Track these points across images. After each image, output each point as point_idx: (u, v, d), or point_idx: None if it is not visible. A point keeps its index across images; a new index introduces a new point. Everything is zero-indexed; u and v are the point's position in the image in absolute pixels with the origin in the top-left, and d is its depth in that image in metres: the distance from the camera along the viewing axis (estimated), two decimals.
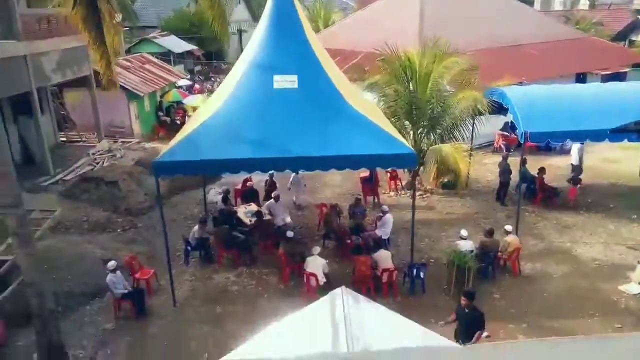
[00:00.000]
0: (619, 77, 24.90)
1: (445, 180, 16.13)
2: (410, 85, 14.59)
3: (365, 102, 11.69)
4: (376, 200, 15.01)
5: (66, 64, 18.16)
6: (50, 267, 10.35)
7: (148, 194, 15.24)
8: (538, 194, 14.61)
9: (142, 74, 24.42)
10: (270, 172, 13.58)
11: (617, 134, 10.95)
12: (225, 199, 13.17)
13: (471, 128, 15.86)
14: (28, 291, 7.65)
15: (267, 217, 12.70)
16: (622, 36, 30.14)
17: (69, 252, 11.19)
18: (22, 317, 9.22)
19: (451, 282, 10.43)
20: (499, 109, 14.57)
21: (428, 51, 14.58)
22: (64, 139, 21.42)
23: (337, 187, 16.81)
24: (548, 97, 12.65)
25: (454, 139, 14.83)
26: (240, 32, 54.28)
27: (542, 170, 14.71)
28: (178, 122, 24.42)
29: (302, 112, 9.76)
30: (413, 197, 10.39)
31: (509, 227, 11.40)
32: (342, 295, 4.79)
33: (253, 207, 13.38)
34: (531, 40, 23.68)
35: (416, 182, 16.14)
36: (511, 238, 11.09)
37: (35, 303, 7.63)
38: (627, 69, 25.49)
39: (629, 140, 11.65)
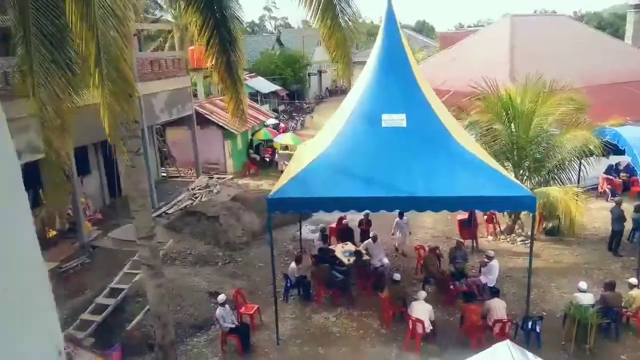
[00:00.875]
0: None
1: (549, 225, 15.27)
2: (512, 124, 14.13)
3: (472, 141, 11.43)
4: (475, 244, 14.44)
5: (172, 103, 19.45)
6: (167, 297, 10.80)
7: (245, 229, 15.67)
8: None
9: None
10: (366, 211, 13.52)
11: None
12: (324, 238, 13.22)
13: (578, 170, 15.03)
14: (154, 322, 7.96)
15: (365, 257, 12.57)
16: None
17: (178, 284, 11.63)
18: (137, 346, 9.61)
19: (570, 338, 9.66)
20: (607, 150, 13.71)
21: (530, 88, 14.13)
22: (165, 174, 22.73)
23: (429, 229, 16.41)
24: None
25: (559, 182, 14.09)
26: (320, 72, 56.05)
27: None
28: (267, 159, 25.30)
29: (411, 151, 9.69)
30: (531, 244, 9.83)
31: (634, 280, 10.46)
32: (509, 349, 4.51)
33: (350, 246, 13.32)
34: (630, 78, 22.33)
35: (517, 228, 15.48)
36: (637, 292, 10.15)
37: (160, 334, 7.92)
38: None
39: None
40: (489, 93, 14.26)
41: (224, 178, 22.43)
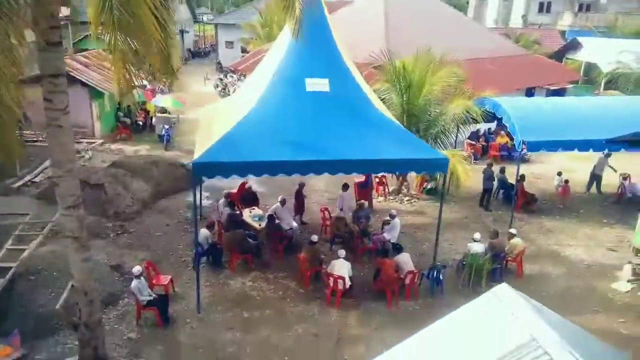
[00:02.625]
0: (559, 92, 27.21)
1: (429, 186, 16.80)
2: (404, 94, 15.06)
3: (385, 107, 11.95)
4: (369, 205, 15.27)
5: (33, 57, 16.87)
6: (61, 274, 9.66)
7: (135, 198, 14.54)
8: (519, 199, 15.58)
9: (102, 71, 23.14)
10: (301, 182, 13.76)
11: (613, 144, 12.03)
12: (232, 204, 12.85)
13: (455, 137, 16.69)
14: (79, 298, 7.11)
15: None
16: (560, 54, 32.80)
17: None
18: (48, 329, 8.55)
19: (467, 283, 10.91)
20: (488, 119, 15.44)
21: (421, 60, 15.16)
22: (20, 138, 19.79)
23: (324, 192, 16.91)
24: (540, 108, 13.65)
25: (442, 146, 15.49)
26: (182, 32, 52.97)
27: (522, 177, 15.71)
28: (140, 123, 23.47)
29: (335, 115, 9.85)
30: (441, 203, 10.86)
31: (513, 230, 12.13)
32: (506, 291, 4.92)
33: (257, 211, 13.20)
34: (486, 55, 25.13)
35: (403, 189, 16.76)
36: (516, 240, 11.80)
37: (86, 311, 7.11)
38: (569, 85, 27.84)
39: (625, 150, 12.80)
40: (385, 63, 14.95)
41: (93, 143, 20.36)
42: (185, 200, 15.50)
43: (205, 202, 15.16)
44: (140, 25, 6.43)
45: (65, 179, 6.88)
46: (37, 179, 15.74)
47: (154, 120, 22.48)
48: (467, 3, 60.63)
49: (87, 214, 13.32)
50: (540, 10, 51.84)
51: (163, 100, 22.00)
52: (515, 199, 15.80)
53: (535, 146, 12.91)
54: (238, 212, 12.82)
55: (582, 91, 28.31)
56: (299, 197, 13.74)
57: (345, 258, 10.67)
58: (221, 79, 35.44)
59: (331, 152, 9.35)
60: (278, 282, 11.18)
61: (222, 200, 13.25)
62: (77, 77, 20.37)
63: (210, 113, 12.67)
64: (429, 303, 10.62)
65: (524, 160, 20.51)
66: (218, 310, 10.04)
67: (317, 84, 10.05)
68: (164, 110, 22.35)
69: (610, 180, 17.03)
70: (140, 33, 6.73)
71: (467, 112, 14.37)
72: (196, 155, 9.28)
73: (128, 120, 23.30)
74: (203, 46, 61.23)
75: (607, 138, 12.51)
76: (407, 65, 15.00)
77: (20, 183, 15.20)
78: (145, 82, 26.25)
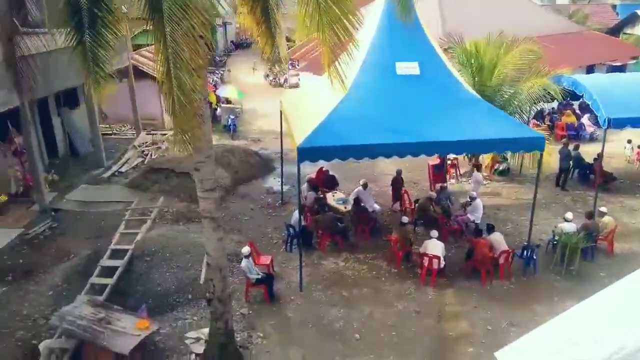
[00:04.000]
0: (620, 68, 26.33)
1: (500, 168, 16.76)
2: (477, 75, 15.04)
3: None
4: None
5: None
6: (173, 255, 10.32)
7: (218, 185, 15.09)
8: (597, 179, 15.34)
9: None
10: (398, 169, 14.16)
11: None
12: (316, 188, 13.26)
13: (527, 117, 16.53)
14: (214, 275, 7.64)
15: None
16: (617, 30, 31.69)
17: (182, 241, 11.07)
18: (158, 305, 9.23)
19: (561, 262, 10.96)
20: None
21: (493, 41, 15.10)
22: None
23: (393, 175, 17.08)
24: (620, 84, 13.43)
25: None
26: (225, 24, 53.69)
27: (600, 156, 15.45)
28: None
29: (428, 97, 10.05)
30: (537, 182, 10.97)
31: (604, 209, 12.04)
32: None
33: (340, 194, 13.56)
34: (544, 33, 24.51)
35: (474, 169, 16.75)
36: (608, 219, 11.72)
37: (220, 287, 7.63)
38: (631, 61, 26.91)
39: None
40: (457, 46, 14.97)
41: (164, 134, 21.13)
42: (262, 187, 16.05)
43: (280, 187, 15.66)
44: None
45: (206, 164, 7.34)
46: (122, 169, 16.56)
47: (218, 110, 23.12)
48: None
49: (179, 200, 14.17)
50: None
51: (229, 91, 22.59)
52: (593, 178, 15.67)
53: (620, 123, 12.72)
54: (322, 195, 13.20)
55: None
56: (396, 184, 13.91)
57: (418, 239, 10.88)
58: (271, 69, 35.86)
59: (428, 134, 9.57)
60: (369, 263, 11.52)
61: (305, 185, 13.65)
62: (147, 71, 21.15)
63: (291, 101, 13.02)
64: (523, 282, 10.75)
65: (592, 139, 20.21)
66: (318, 289, 10.47)
67: (408, 68, 10.26)
68: (228, 101, 22.96)
69: None
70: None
71: (545, 90, 14.22)
72: (298, 141, 9.56)
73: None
74: (244, 37, 61.90)
75: None
76: (478, 46, 14.97)
77: (109, 173, 16.04)
78: None
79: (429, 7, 24.29)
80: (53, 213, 13.04)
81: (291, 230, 11.79)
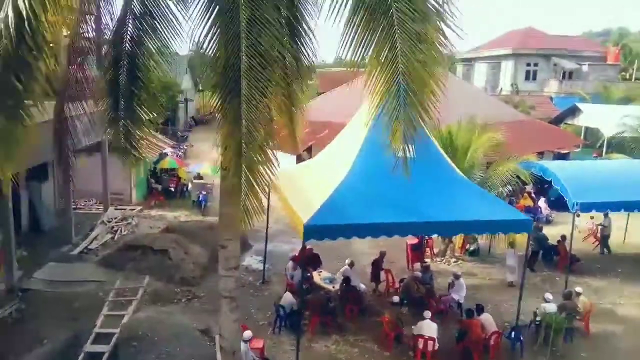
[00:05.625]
0: (565, 156, 28.62)
1: (471, 248, 17.39)
2: (452, 159, 15.93)
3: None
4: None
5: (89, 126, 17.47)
6: (161, 340, 9.80)
7: (195, 263, 14.77)
8: (562, 260, 16.17)
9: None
10: (382, 250, 14.43)
11: None
12: (303, 267, 13.17)
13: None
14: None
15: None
16: (559, 120, 34.73)
17: (169, 324, 10.57)
18: None
19: (546, 343, 11.26)
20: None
21: (464, 126, 16.25)
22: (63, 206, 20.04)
23: (371, 254, 17.27)
24: (584, 170, 14.65)
25: None
26: (186, 100, 54.53)
27: (564, 237, 16.41)
28: (172, 189, 23.88)
29: (424, 179, 10.40)
30: (524, 265, 11.46)
31: (579, 289, 12.62)
32: None
33: (326, 273, 13.54)
34: (498, 120, 26.47)
35: (448, 250, 17.29)
36: (583, 298, 12.29)
37: None
38: (576, 149, 29.38)
39: None
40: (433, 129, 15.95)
41: (133, 209, 20.63)
42: (241, 265, 15.74)
43: (259, 266, 15.46)
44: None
45: (233, 242, 7.31)
46: (92, 246, 15.89)
47: (189, 186, 22.96)
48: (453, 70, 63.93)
49: (156, 279, 13.65)
50: (527, 78, 54.84)
51: (201, 167, 22.63)
52: (557, 259, 16.52)
53: (587, 207, 13.69)
54: (309, 274, 13.14)
55: (585, 154, 29.85)
56: (377, 264, 14.09)
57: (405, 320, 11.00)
58: None
59: (429, 214, 9.97)
60: (360, 345, 11.38)
61: (290, 264, 13.58)
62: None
63: (288, 177, 13.23)
64: None
65: (548, 221, 21.45)
66: None
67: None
68: (200, 177, 22.91)
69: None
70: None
71: (515, 175, 15.23)
72: (304, 217, 9.63)
73: (159, 187, 23.76)
74: (204, 114, 62.81)
75: None
76: (452, 131, 16.03)
77: (78, 250, 15.34)
78: (166, 150, 26.99)
79: None
80: (20, 293, 12.20)
81: (281, 311, 11.56)
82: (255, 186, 5.84)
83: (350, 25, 5.95)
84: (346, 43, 6.02)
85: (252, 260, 16.13)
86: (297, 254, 14.41)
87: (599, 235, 18.05)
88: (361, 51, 5.98)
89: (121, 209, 19.53)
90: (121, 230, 17.41)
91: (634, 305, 13.93)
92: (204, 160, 28.89)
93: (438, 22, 5.93)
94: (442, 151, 11.67)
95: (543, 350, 11.29)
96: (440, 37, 5.92)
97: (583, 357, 11.34)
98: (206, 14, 6.42)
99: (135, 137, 7.29)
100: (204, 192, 21.45)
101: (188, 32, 6.55)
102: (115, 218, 18.19)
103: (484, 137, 15.79)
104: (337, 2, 6.02)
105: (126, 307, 10.61)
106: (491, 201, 10.82)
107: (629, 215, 17.89)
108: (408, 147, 6.29)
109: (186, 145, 36.83)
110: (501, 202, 10.87)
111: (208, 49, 6.35)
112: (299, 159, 22.10)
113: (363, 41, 5.97)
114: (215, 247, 15.94)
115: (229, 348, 7.40)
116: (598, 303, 14.02)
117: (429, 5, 5.97)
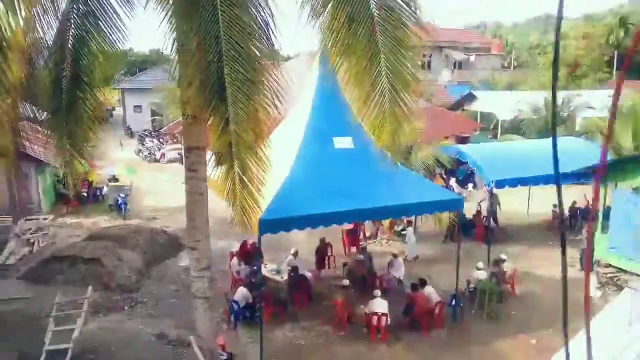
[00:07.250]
0: (466, 139, 31.08)
1: (399, 228, 18.41)
2: None
3: None
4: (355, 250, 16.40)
5: None
6: (118, 350, 9.39)
7: (131, 268, 14.14)
8: (480, 231, 17.68)
9: (39, 142, 21.91)
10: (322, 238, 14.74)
11: (564, 178, 14.56)
12: (248, 261, 13.19)
13: None
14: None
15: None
16: (457, 107, 37.45)
17: (121, 334, 10.12)
18: None
19: (482, 307, 12.39)
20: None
21: None
22: None
23: (304, 243, 17.62)
24: (496, 152, 16.08)
25: None
26: None
27: (479, 212, 17.98)
28: (84, 194, 22.40)
29: (364, 168, 11.04)
30: (459, 241, 12.41)
31: (503, 256, 13.97)
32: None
33: (272, 265, 13.67)
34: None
35: (379, 233, 18.16)
36: (508, 264, 13.65)
37: None
38: (475, 132, 31.95)
39: (581, 182, 15.37)
40: None
41: (45, 218, 19.06)
42: (178, 266, 15.38)
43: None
44: None
45: (203, 242, 7.21)
46: (9, 262, 14.55)
47: (104, 189, 21.66)
48: None
49: (92, 289, 12.89)
50: (422, 67, 58.36)
51: (116, 169, 21.43)
52: (476, 231, 18.04)
53: (501, 183, 15.12)
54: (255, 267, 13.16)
55: (482, 137, 32.60)
56: (322, 252, 14.52)
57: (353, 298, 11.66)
58: (143, 144, 34.76)
59: (372, 200, 10.50)
60: (315, 329, 11.72)
61: (234, 260, 13.51)
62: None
63: None
64: (459, 328, 11.89)
65: None
66: None
67: (343, 142, 11.25)
68: (115, 179, 21.71)
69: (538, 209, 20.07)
70: None
71: (437, 159, 16.39)
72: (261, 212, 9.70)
73: (68, 193, 22.12)
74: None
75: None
76: None
77: None
78: None
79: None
80: None
81: (235, 306, 11.53)
82: (250, 186, 5.85)
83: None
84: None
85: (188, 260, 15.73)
86: (237, 250, 14.42)
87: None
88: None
89: (33, 219, 17.97)
90: (39, 242, 16.11)
91: (545, 267, 15.63)
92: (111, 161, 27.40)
93: None
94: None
95: (479, 313, 12.41)
96: None
97: (513, 314, 12.64)
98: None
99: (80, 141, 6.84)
100: (122, 195, 20.39)
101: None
102: (29, 229, 16.74)
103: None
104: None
105: (74, 320, 9.95)
106: (426, 184, 11.64)
107: (529, 189, 19.95)
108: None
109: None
110: (435, 185, 11.72)
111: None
112: None
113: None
114: (147, 250, 15.67)
115: (207, 348, 7.34)
116: (517, 266, 15.62)
117: None
